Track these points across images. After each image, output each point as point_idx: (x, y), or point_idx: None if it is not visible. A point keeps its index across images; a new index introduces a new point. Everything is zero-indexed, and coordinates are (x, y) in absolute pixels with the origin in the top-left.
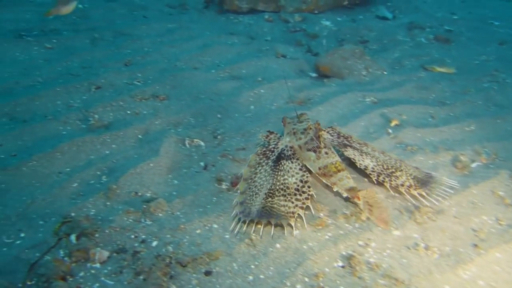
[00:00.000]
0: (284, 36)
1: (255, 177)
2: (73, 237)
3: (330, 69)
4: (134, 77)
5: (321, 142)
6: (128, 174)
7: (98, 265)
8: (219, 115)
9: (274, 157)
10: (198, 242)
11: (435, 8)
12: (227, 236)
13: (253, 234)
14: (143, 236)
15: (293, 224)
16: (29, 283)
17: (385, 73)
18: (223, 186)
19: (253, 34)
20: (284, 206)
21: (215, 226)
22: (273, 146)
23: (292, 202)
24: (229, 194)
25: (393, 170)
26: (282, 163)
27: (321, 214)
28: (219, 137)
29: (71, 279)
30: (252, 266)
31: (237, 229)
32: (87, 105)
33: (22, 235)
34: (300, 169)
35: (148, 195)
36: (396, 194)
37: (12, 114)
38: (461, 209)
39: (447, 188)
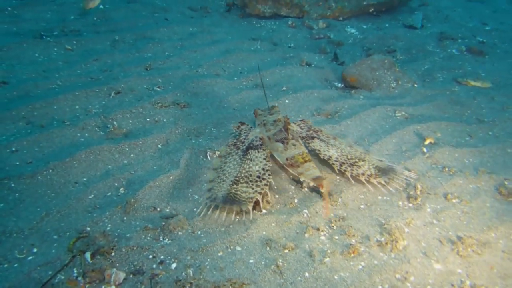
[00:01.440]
0: (308, 43)
1: (224, 166)
2: (88, 255)
3: (358, 80)
4: (155, 83)
5: (289, 134)
6: (147, 187)
7: (113, 287)
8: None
9: (244, 147)
10: (220, 266)
11: (466, 18)
12: (251, 261)
13: (280, 260)
14: (162, 257)
15: (250, 208)
16: None
17: (415, 85)
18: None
19: (276, 40)
20: (245, 192)
21: (238, 248)
22: (244, 137)
23: (252, 188)
24: (252, 213)
25: (356, 160)
26: (250, 153)
27: (353, 240)
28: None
29: None
30: None
31: (202, 213)
32: (106, 111)
33: (35, 250)
34: (264, 159)
35: (167, 210)
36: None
37: (29, 118)
38: (510, 242)
39: (406, 178)
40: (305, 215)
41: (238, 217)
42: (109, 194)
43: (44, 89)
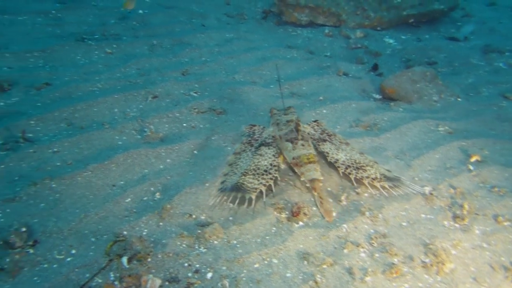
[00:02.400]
0: (344, 53)
1: (238, 161)
2: (125, 260)
3: (397, 92)
4: (191, 88)
5: (299, 135)
6: (183, 193)
7: None
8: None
9: (257, 144)
10: (257, 279)
11: None
12: (288, 275)
13: (318, 276)
14: (197, 265)
15: (253, 197)
16: None
17: (459, 99)
18: (283, 215)
19: (313, 48)
20: (251, 183)
21: (275, 261)
22: (258, 135)
23: (258, 180)
24: (289, 224)
25: (363, 165)
26: (261, 149)
27: (395, 260)
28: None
29: None
30: None
31: (212, 202)
32: (143, 115)
33: (73, 251)
34: (274, 155)
35: (203, 218)
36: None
37: (70, 119)
38: None
39: (411, 189)
40: (344, 229)
41: (245, 206)
42: (145, 198)
43: (85, 91)
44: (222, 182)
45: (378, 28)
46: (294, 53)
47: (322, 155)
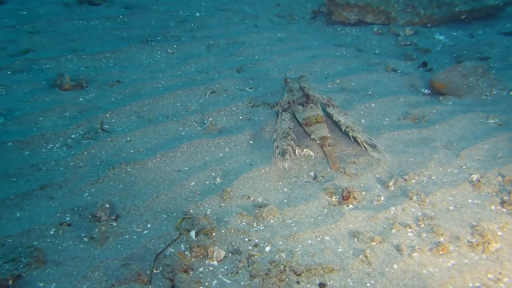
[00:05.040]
0: (393, 50)
1: (277, 127)
2: (193, 233)
3: (447, 86)
4: (246, 84)
5: (309, 99)
6: (241, 178)
7: (215, 263)
8: (328, 128)
9: (281, 110)
10: (311, 252)
11: None
12: (340, 250)
13: (368, 251)
14: (256, 240)
15: (287, 157)
16: (155, 271)
17: (511, 93)
18: (333, 199)
19: (361, 46)
20: (283, 145)
21: (327, 238)
22: (282, 103)
23: (286, 142)
24: (340, 207)
25: (356, 130)
26: (282, 114)
27: (442, 239)
28: (328, 147)
29: (191, 273)
30: (368, 284)
31: (281, 165)
32: (203, 109)
33: (149, 225)
34: (289, 119)
35: (260, 200)
36: None
37: (139, 113)
38: None
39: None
40: (392, 212)
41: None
42: (207, 182)
43: (150, 88)
44: (277, 147)
45: (428, 25)
46: (343, 51)
47: (329, 116)
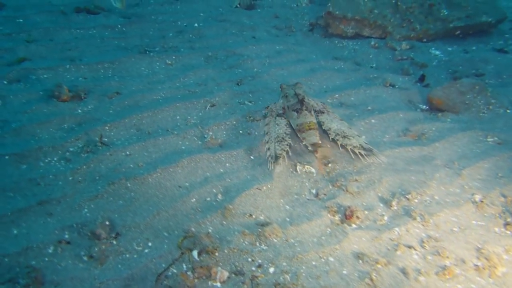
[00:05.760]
0: (390, 64)
1: (269, 131)
2: (195, 253)
3: (445, 103)
4: (246, 97)
5: (304, 106)
6: (242, 195)
7: (219, 284)
8: (328, 145)
9: (275, 114)
10: (316, 275)
11: None
12: (345, 272)
13: (374, 274)
14: (260, 261)
15: (281, 162)
16: None
17: (508, 111)
18: (336, 218)
19: (359, 60)
20: (278, 149)
21: (331, 259)
22: (275, 108)
23: (280, 147)
24: (343, 226)
25: (349, 135)
26: (277, 119)
27: (448, 262)
28: (329, 165)
29: None
30: None
31: (271, 168)
32: (203, 122)
33: (150, 244)
34: (285, 125)
35: (262, 218)
36: None
37: (139, 126)
38: None
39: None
40: (396, 232)
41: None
42: (208, 199)
43: (150, 100)
44: (268, 149)
45: (424, 40)
46: (341, 65)
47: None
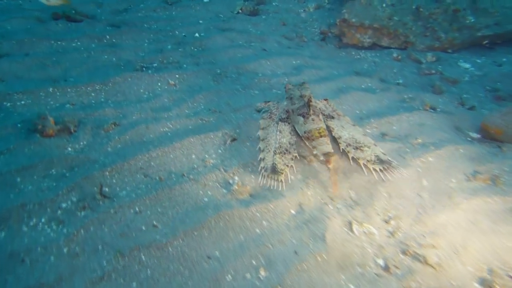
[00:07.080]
0: (418, 80)
1: (267, 136)
2: None
3: (505, 133)
4: None
5: (311, 110)
6: (292, 270)
7: None
8: (385, 193)
9: (277, 119)
10: None
11: None
12: None
13: None
14: None
15: (283, 179)
16: None
17: None
18: None
19: (382, 75)
20: (280, 163)
21: None
22: (275, 109)
23: (283, 160)
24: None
25: (362, 145)
26: (280, 125)
27: None
28: (392, 222)
29: None
30: None
31: (262, 181)
32: (224, 163)
33: None
34: (290, 133)
35: None
36: None
37: (146, 169)
38: None
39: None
40: None
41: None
42: (248, 276)
43: (156, 133)
44: (263, 160)
45: (449, 51)
46: (368, 83)
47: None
